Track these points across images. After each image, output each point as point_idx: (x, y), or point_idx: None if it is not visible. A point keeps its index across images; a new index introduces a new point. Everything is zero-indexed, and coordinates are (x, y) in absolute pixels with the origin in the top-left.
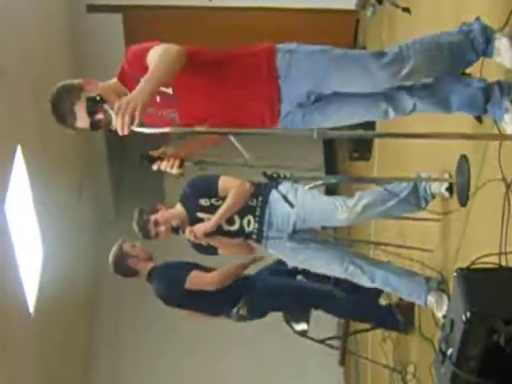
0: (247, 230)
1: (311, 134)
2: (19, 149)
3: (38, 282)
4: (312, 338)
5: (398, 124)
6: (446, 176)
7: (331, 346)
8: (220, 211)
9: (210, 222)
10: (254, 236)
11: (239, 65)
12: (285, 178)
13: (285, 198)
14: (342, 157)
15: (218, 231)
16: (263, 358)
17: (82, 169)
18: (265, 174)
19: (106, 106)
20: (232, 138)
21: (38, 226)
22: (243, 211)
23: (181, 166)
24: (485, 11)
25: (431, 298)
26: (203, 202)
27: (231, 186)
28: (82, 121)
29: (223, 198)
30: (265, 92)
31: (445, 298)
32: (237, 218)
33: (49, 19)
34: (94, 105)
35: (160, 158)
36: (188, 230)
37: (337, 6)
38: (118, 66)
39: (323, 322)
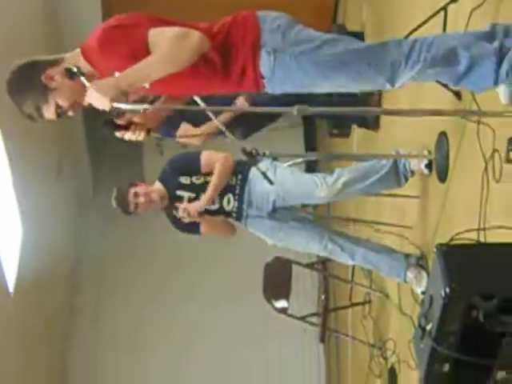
0: (227, 208)
1: (291, 110)
2: None
3: (18, 261)
4: (292, 315)
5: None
6: (426, 153)
7: (311, 323)
8: (211, 188)
9: (202, 199)
10: (234, 214)
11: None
12: (264, 154)
13: (264, 174)
14: (322, 133)
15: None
16: (243, 335)
17: (61, 147)
18: (244, 150)
19: (83, 79)
20: (213, 117)
21: (17, 205)
22: (223, 190)
23: (147, 134)
24: None
25: (410, 274)
26: (183, 179)
27: (215, 160)
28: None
29: (204, 175)
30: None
31: (424, 274)
32: (216, 198)
33: (32, 7)
34: (71, 76)
35: (125, 127)
36: (181, 207)
37: None
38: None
39: (303, 299)
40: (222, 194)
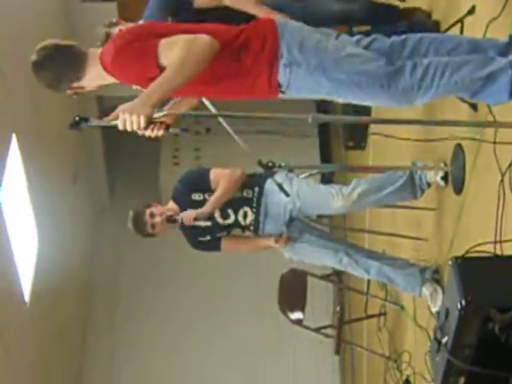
0: (244, 222)
1: (306, 118)
2: (14, 137)
3: (34, 271)
4: (307, 327)
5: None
6: (442, 165)
7: (326, 335)
8: (213, 197)
9: (203, 208)
10: (252, 227)
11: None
12: (280, 166)
13: (280, 186)
14: (337, 146)
15: (214, 225)
16: (260, 347)
17: (77, 157)
18: (260, 162)
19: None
20: (225, 123)
21: (33, 214)
22: (238, 203)
23: (166, 131)
24: None
25: (426, 291)
26: (196, 196)
27: (222, 176)
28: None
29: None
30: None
31: (439, 291)
32: (231, 212)
33: (44, 8)
34: None
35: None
36: (181, 215)
37: None
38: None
39: (318, 311)
40: (237, 208)
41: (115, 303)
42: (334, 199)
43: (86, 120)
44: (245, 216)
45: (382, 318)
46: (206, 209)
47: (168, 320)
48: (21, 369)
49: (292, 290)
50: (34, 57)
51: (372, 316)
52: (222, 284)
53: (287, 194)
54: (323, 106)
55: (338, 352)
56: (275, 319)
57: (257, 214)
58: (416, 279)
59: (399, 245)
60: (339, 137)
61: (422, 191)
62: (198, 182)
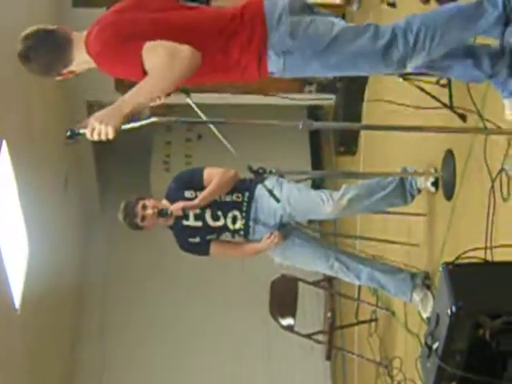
0: (232, 226)
1: (297, 125)
2: (4, 143)
3: (24, 278)
4: (298, 333)
5: (384, 118)
6: (432, 171)
7: (317, 341)
8: (206, 191)
9: (193, 201)
10: (242, 232)
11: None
12: (270, 172)
13: (270, 192)
14: (328, 151)
15: (205, 226)
16: (250, 353)
17: (68, 163)
18: (250, 168)
19: None
20: (215, 130)
21: (23, 220)
22: (227, 206)
23: None
24: None
25: (416, 297)
26: (188, 194)
27: (216, 174)
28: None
29: None
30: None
31: (430, 296)
32: (220, 214)
33: (35, 14)
34: None
35: None
36: (170, 207)
37: None
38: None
39: (309, 317)
40: (226, 210)
41: (106, 310)
42: (324, 205)
43: (77, 133)
44: (234, 220)
45: (373, 323)
46: (195, 202)
47: (159, 326)
48: (11, 376)
49: (283, 296)
50: (18, 47)
51: (363, 322)
52: (212, 289)
53: (278, 200)
54: (314, 112)
55: (329, 358)
56: (266, 325)
57: (247, 218)
58: (407, 285)
59: (390, 251)
60: (330, 142)
61: (413, 197)
62: (191, 180)
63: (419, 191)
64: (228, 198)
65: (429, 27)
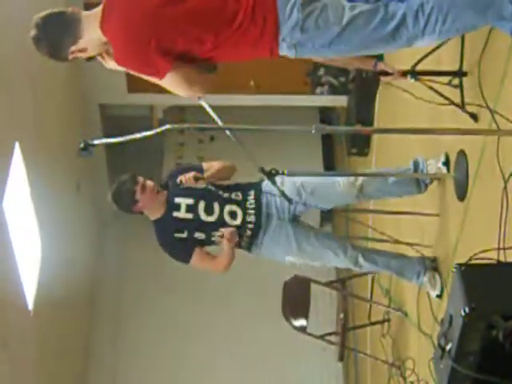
0: (231, 221)
1: (309, 129)
2: (17, 146)
3: (37, 279)
4: (311, 334)
5: (396, 120)
6: (442, 155)
7: (330, 342)
8: (212, 169)
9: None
10: (250, 225)
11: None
12: (283, 174)
13: (282, 193)
14: (341, 152)
15: (195, 220)
16: (263, 354)
17: (81, 166)
18: (263, 169)
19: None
20: (231, 135)
21: (36, 223)
22: (224, 200)
23: None
24: None
25: (425, 278)
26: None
27: (216, 163)
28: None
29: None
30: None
31: (437, 277)
32: (216, 206)
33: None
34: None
35: None
36: (180, 177)
37: None
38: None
39: (322, 318)
40: (223, 203)
41: (119, 312)
42: (340, 184)
43: (91, 144)
44: (232, 215)
45: (385, 324)
46: (203, 175)
47: (171, 328)
48: (25, 377)
49: (295, 297)
50: (31, 32)
51: (376, 323)
52: (225, 291)
53: (290, 201)
54: (326, 114)
55: (341, 359)
56: (278, 326)
57: (258, 215)
58: (415, 267)
59: (402, 251)
60: (342, 144)
61: (426, 186)
62: (190, 170)
63: (431, 182)
64: (226, 195)
65: (441, 10)
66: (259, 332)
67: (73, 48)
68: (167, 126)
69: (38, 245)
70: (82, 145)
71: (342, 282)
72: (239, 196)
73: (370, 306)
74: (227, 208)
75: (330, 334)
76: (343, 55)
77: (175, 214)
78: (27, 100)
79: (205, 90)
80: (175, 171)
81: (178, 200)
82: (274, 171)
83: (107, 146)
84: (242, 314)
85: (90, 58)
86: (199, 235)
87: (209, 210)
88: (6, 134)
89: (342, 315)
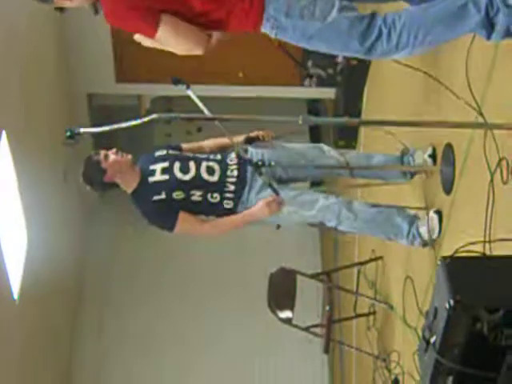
0: (208, 177)
1: (296, 120)
2: (4, 134)
3: (23, 269)
4: (296, 326)
5: (384, 112)
6: (430, 148)
7: (316, 334)
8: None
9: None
10: (233, 186)
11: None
12: (270, 165)
13: (270, 185)
14: (328, 145)
15: (172, 180)
16: (247, 346)
17: (68, 155)
18: (250, 161)
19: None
20: (221, 126)
21: (22, 211)
22: (200, 158)
23: None
24: None
25: (423, 227)
26: (159, 152)
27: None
28: None
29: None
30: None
31: (434, 217)
32: (192, 164)
33: (36, 7)
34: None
35: None
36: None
37: None
38: (104, 55)
39: (308, 310)
40: (199, 161)
41: (105, 302)
42: (324, 151)
43: (77, 133)
44: (210, 170)
45: (371, 317)
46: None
47: (158, 321)
48: (9, 367)
49: (281, 289)
50: None
51: (361, 315)
52: (212, 283)
53: (277, 192)
54: (314, 107)
55: (327, 351)
56: (264, 318)
57: (242, 169)
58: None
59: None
60: (330, 136)
61: (412, 175)
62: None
63: (414, 173)
64: (203, 156)
65: (412, 27)
66: (244, 324)
67: None
68: (154, 116)
69: (24, 234)
70: (68, 133)
71: (327, 274)
72: (218, 156)
73: (356, 298)
74: (204, 164)
75: (315, 326)
76: (318, 50)
77: (150, 179)
78: (14, 88)
79: (200, 45)
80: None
81: (152, 166)
82: (260, 162)
83: (95, 136)
84: (228, 306)
85: (61, 9)
86: (178, 194)
87: (184, 169)
88: None
89: (327, 307)
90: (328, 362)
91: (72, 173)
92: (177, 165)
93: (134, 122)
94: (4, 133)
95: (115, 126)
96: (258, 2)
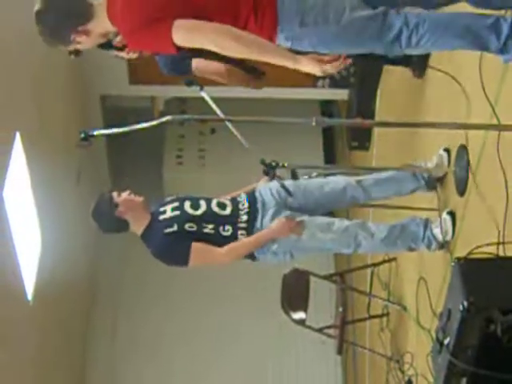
0: (220, 211)
1: (310, 121)
2: (18, 136)
3: (37, 270)
4: (310, 327)
5: (398, 112)
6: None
7: (329, 335)
8: None
9: None
10: (245, 217)
11: None
12: (283, 166)
13: (283, 186)
14: (341, 146)
15: (183, 215)
16: (261, 347)
17: (81, 157)
18: (263, 162)
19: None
20: (232, 127)
21: (36, 213)
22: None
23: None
24: None
25: (436, 229)
26: (169, 198)
27: None
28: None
29: None
30: None
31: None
32: (203, 202)
33: None
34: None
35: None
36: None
37: None
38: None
39: (321, 311)
40: (209, 199)
41: (118, 304)
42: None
43: (91, 135)
44: (221, 206)
45: (384, 318)
46: None
47: (171, 322)
48: (23, 368)
49: (294, 290)
50: (36, 6)
51: (374, 316)
52: (224, 284)
53: (290, 194)
54: (327, 108)
55: (340, 352)
56: (277, 319)
57: (252, 202)
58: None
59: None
60: (343, 137)
61: (424, 180)
62: None
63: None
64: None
65: (434, 34)
66: (258, 325)
67: (79, 28)
68: (168, 117)
69: (38, 235)
70: (82, 135)
71: (341, 276)
72: (228, 197)
73: (369, 299)
74: (214, 201)
75: (328, 327)
76: (339, 53)
77: (161, 217)
78: (28, 90)
79: (224, 33)
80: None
81: (162, 208)
82: (274, 163)
83: (108, 137)
84: (241, 308)
85: (77, 52)
86: (190, 225)
87: (195, 206)
88: (7, 123)
89: (340, 308)
90: (341, 363)
91: (85, 174)
92: (187, 203)
93: (148, 124)
94: (18, 134)
95: (129, 128)
96: (270, 14)
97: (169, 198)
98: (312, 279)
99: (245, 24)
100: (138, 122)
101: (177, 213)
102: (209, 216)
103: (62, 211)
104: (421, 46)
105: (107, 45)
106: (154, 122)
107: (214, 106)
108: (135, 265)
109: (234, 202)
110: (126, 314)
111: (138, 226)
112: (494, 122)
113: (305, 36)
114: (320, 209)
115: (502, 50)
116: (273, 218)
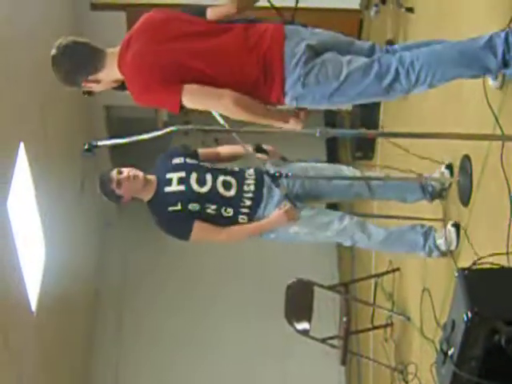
0: (224, 192)
1: (313, 132)
2: (22, 146)
3: (41, 280)
4: (313, 337)
5: (400, 123)
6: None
7: (333, 346)
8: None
9: None
10: (248, 202)
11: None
12: (286, 176)
13: (286, 196)
14: (345, 156)
15: (188, 191)
16: (265, 357)
17: (85, 166)
18: (267, 172)
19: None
20: (237, 138)
21: (40, 223)
22: (218, 171)
23: None
24: (485, 11)
25: (439, 239)
26: (177, 160)
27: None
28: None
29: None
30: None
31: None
32: (209, 177)
33: (53, 17)
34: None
35: None
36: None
37: (341, 5)
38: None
39: (325, 322)
40: (216, 174)
41: (122, 313)
42: (342, 167)
43: (95, 146)
44: (226, 185)
45: (388, 328)
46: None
47: (173, 329)
48: (27, 378)
49: (298, 301)
50: (53, 51)
51: (378, 327)
52: (228, 292)
53: (294, 204)
54: (331, 119)
55: (344, 363)
56: (281, 330)
57: (259, 185)
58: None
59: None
60: (347, 147)
61: (430, 194)
62: (185, 150)
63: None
64: (221, 167)
65: (431, 66)
66: (261, 335)
67: (91, 77)
68: (173, 128)
69: (42, 245)
70: (86, 146)
71: (345, 286)
72: (236, 168)
73: (373, 310)
74: (221, 178)
75: (332, 337)
76: (341, 106)
77: (167, 189)
78: (32, 100)
79: (232, 96)
80: (164, 155)
81: (169, 175)
82: (277, 173)
83: (112, 147)
84: (245, 316)
85: (90, 93)
86: (193, 206)
87: (201, 181)
88: (11, 133)
89: (344, 319)
90: (345, 373)
91: (89, 184)
92: (194, 176)
93: (153, 134)
94: (22, 144)
95: (134, 139)
96: (279, 80)
97: (176, 161)
98: (316, 289)
99: (256, 86)
100: (143, 132)
101: (182, 188)
102: (213, 196)
103: (66, 220)
104: (422, 82)
105: (120, 87)
106: (159, 133)
107: (217, 116)
108: (138, 271)
109: (240, 179)
110: (131, 323)
111: (143, 198)
112: (498, 132)
113: (308, 94)
114: (325, 196)
115: (503, 66)
116: (277, 205)
